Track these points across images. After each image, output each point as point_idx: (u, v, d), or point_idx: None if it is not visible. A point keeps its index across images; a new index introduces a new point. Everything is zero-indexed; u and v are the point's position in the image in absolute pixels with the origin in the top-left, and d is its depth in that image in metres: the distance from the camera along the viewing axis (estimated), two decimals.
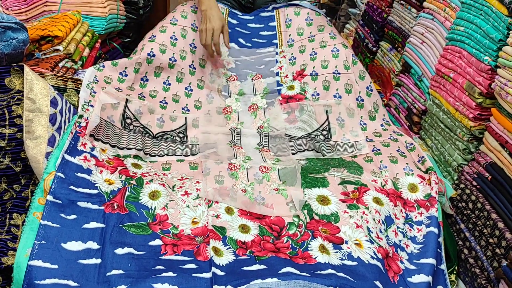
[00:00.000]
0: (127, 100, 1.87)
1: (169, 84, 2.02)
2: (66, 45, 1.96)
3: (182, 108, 2.03)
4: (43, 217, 1.35)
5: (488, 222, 1.48)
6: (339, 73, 2.09)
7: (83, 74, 1.89)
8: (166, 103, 1.99)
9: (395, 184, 1.70)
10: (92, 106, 1.75)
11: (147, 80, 1.99)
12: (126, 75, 1.96)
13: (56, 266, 1.25)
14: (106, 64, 1.96)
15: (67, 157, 1.53)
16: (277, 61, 2.23)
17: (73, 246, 1.31)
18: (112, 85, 1.90)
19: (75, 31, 2.07)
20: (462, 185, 1.68)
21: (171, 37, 2.06)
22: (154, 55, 2.00)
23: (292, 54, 2.23)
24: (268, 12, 2.34)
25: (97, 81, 1.87)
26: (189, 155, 1.85)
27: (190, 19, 2.19)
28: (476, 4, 1.72)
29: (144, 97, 1.95)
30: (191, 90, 2.07)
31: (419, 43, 2.17)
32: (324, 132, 2.01)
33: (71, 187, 1.46)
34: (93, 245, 1.33)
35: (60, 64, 1.84)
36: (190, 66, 2.09)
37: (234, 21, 2.30)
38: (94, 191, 1.49)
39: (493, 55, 1.57)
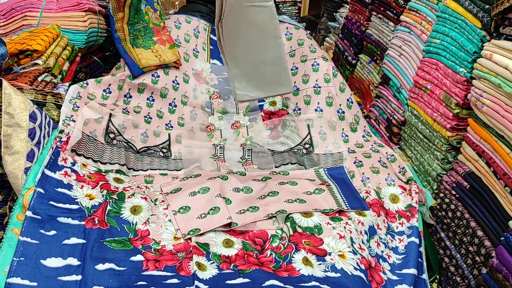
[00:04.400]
0: (110, 114, 1.86)
1: (153, 100, 2.02)
2: (46, 59, 1.93)
3: (166, 124, 2.03)
4: (22, 233, 1.32)
5: (467, 231, 1.50)
6: (319, 87, 2.11)
7: (63, 88, 1.87)
8: (151, 118, 1.99)
9: (378, 193, 1.72)
10: (73, 121, 1.73)
11: (130, 97, 2.00)
12: (110, 92, 1.97)
13: (35, 284, 1.22)
14: (90, 81, 1.97)
15: (47, 172, 1.51)
16: None
17: (53, 262, 1.28)
18: (95, 101, 1.91)
19: (54, 45, 2.05)
20: (441, 194, 1.70)
21: None
22: None
23: None
24: None
25: (81, 97, 1.87)
26: (173, 170, 1.84)
27: (173, 34, 2.20)
28: (451, 18, 1.76)
29: (128, 112, 1.95)
30: (175, 106, 2.07)
31: (397, 55, 2.21)
32: (307, 146, 2.02)
33: (51, 202, 1.43)
34: (73, 261, 1.31)
35: (40, 78, 1.82)
36: (173, 81, 2.10)
37: (216, 38, 2.31)
38: (75, 206, 1.46)
39: (468, 66, 1.61)
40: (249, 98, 1.71)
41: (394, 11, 2.33)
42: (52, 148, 1.59)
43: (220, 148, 1.99)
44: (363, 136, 2.08)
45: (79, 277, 1.27)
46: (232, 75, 1.64)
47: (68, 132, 1.68)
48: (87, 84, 1.94)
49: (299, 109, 2.10)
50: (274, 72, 1.65)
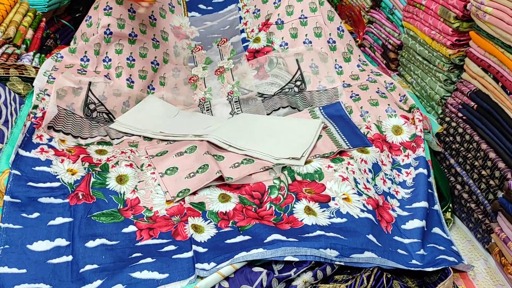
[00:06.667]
0: (90, 83, 1.73)
1: (133, 60, 1.88)
2: (5, 29, 1.78)
3: (148, 87, 1.90)
4: (2, 219, 1.23)
5: (478, 154, 1.40)
6: (305, 17, 1.96)
7: (27, 59, 1.73)
8: (133, 82, 1.86)
9: (379, 128, 1.61)
10: (48, 95, 1.61)
11: (110, 60, 1.86)
12: (88, 60, 1.85)
13: (24, 270, 1.15)
14: (64, 52, 1.85)
15: (22, 152, 1.40)
16: (241, 18, 2.09)
17: (41, 246, 1.21)
18: (74, 68, 1.79)
19: (13, 13, 1.88)
20: (447, 118, 1.59)
21: (129, 10, 1.89)
22: (111, 33, 1.85)
23: (255, 6, 2.08)
24: None
25: (57, 69, 1.74)
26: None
27: None
28: None
29: (110, 79, 1.82)
30: (158, 64, 1.94)
31: None
32: (298, 83, 1.89)
33: (30, 183, 1.34)
34: (61, 242, 1.23)
35: (0, 51, 1.68)
36: (153, 39, 1.95)
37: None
38: (56, 184, 1.37)
39: None
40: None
41: None
42: (25, 125, 1.48)
43: (207, 109, 1.87)
44: (358, 66, 1.94)
45: (69, 258, 1.19)
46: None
47: (43, 107, 1.56)
48: (62, 56, 1.83)
49: (286, 43, 1.95)
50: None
